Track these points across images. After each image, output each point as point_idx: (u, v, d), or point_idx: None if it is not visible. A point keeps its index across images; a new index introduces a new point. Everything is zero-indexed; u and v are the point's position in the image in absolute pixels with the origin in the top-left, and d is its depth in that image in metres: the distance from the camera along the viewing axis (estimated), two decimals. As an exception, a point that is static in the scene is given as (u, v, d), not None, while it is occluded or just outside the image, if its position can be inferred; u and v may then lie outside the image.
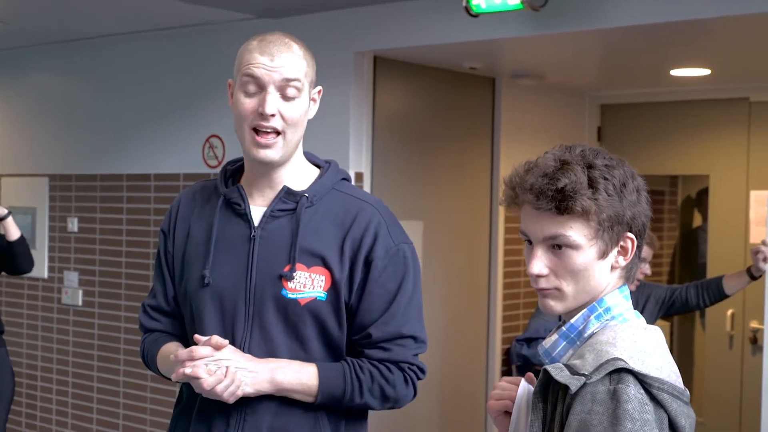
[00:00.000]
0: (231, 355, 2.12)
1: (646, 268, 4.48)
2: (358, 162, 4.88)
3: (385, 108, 5.05)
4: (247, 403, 2.19)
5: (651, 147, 6.24)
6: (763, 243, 4.21)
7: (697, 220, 6.49)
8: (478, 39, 4.46)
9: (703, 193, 6.16)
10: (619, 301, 1.69)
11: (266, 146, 2.17)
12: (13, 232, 4.61)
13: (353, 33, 4.83)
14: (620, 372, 1.53)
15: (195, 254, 2.28)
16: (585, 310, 1.69)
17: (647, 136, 6.25)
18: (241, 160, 2.33)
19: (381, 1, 4.66)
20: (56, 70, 6.23)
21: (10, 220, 4.62)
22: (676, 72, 5.36)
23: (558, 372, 1.57)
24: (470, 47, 4.69)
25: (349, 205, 2.25)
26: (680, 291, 4.49)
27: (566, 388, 1.56)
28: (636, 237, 1.67)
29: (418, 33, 4.63)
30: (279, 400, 2.20)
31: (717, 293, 4.37)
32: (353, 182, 4.70)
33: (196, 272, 2.26)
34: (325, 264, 2.19)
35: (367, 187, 4.94)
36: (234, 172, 2.34)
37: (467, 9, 4.14)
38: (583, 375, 1.54)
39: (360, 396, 2.21)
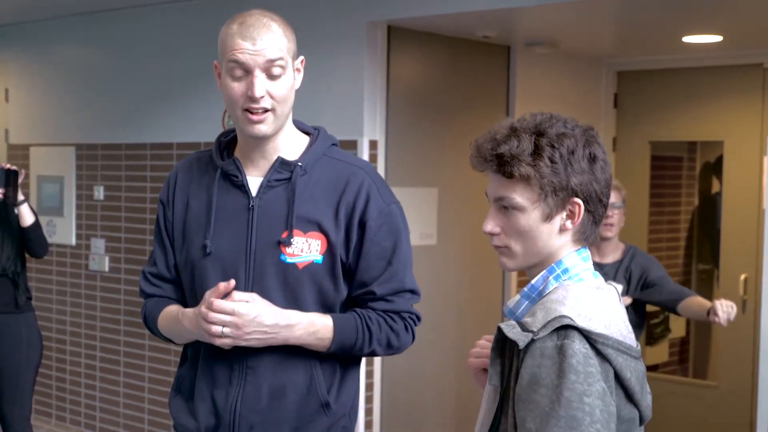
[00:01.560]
0: (256, 309, 2.24)
1: (614, 218, 4.34)
2: (372, 130, 4.98)
3: (399, 77, 5.14)
4: (248, 363, 2.33)
5: (667, 113, 6.28)
6: (720, 305, 4.10)
7: (715, 186, 6.52)
8: (490, 8, 4.53)
9: (722, 160, 6.20)
10: (577, 262, 1.80)
11: (259, 122, 2.28)
12: (27, 218, 4.71)
13: (367, 3, 4.91)
14: (567, 328, 1.64)
15: (196, 224, 2.40)
16: (544, 271, 1.80)
17: (663, 103, 6.29)
18: (233, 131, 2.45)
19: (393, -28, 4.74)
20: (81, 42, 6.37)
21: (24, 207, 4.70)
22: (688, 39, 5.39)
23: (509, 329, 1.68)
24: (483, 16, 4.75)
25: (340, 171, 2.37)
26: (659, 286, 4.35)
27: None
28: (585, 202, 1.76)
29: (430, 2, 4.70)
30: (278, 361, 2.33)
31: (672, 307, 4.32)
32: (368, 150, 4.86)
33: (198, 242, 2.38)
34: (321, 229, 2.32)
35: (381, 155, 5.04)
36: (227, 144, 2.46)
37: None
38: (531, 332, 1.65)
39: (369, 345, 2.37)
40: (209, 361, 2.37)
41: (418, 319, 2.45)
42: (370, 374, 5.05)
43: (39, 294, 6.54)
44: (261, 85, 2.25)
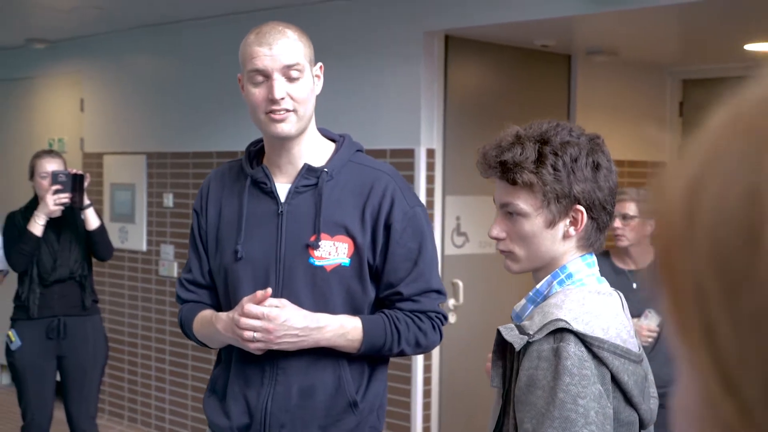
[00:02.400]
0: (286, 314, 2.32)
1: (626, 229, 4.20)
2: (429, 139, 5.04)
3: (457, 86, 5.19)
4: (279, 364, 2.42)
5: (734, 121, 6.19)
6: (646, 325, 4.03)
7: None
8: (548, 17, 4.55)
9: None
10: (581, 267, 1.83)
11: (281, 120, 2.37)
12: (93, 222, 4.84)
13: (424, 13, 4.97)
14: (563, 331, 1.68)
15: (228, 231, 2.50)
16: (549, 276, 1.84)
17: (730, 111, 6.20)
18: (261, 141, 2.54)
19: (450, -18, 4.80)
20: (152, 53, 6.56)
21: (90, 211, 4.83)
22: (749, 47, 5.34)
23: (508, 332, 1.73)
24: (541, 25, 4.78)
25: (365, 175, 2.45)
26: None
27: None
28: (587, 209, 1.80)
29: (487, 12, 4.74)
30: (308, 362, 2.41)
31: None
32: (425, 159, 4.91)
33: (230, 247, 2.48)
34: (348, 232, 2.40)
35: (438, 163, 5.09)
36: (257, 153, 2.55)
37: (526, -11, 4.25)
38: (528, 334, 1.70)
39: (398, 345, 2.44)
40: (242, 362, 2.46)
41: (445, 318, 2.52)
42: (428, 368, 5.09)
43: (111, 298, 6.74)
44: (281, 87, 2.34)
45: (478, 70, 5.40)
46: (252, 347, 2.34)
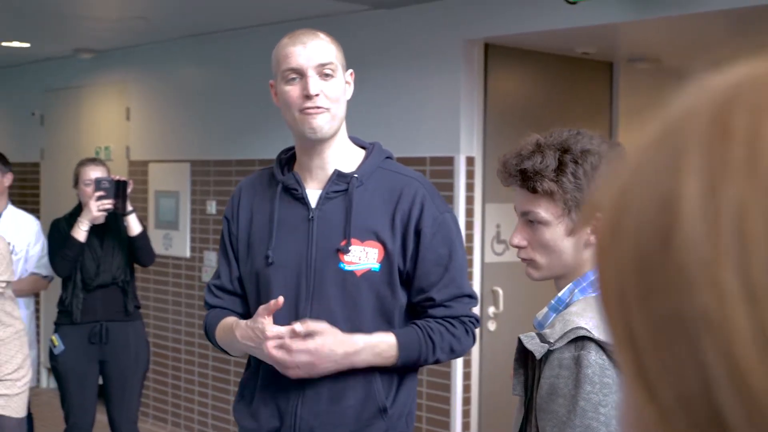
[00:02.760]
0: (330, 343, 2.35)
1: None
2: (469, 147, 5.04)
3: (497, 94, 5.18)
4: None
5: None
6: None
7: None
8: (589, 24, 4.53)
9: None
10: None
11: (315, 115, 2.39)
12: (135, 228, 4.89)
13: (464, 21, 4.98)
14: (584, 340, 1.67)
15: (259, 237, 2.52)
16: (571, 284, 1.83)
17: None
18: (292, 149, 2.57)
19: (490, -10, 4.80)
20: (196, 62, 6.64)
21: (132, 217, 4.88)
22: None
23: (528, 340, 1.73)
24: (581, 32, 4.76)
25: (395, 181, 2.47)
26: None
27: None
28: None
29: (527, 20, 4.74)
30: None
31: None
32: (465, 167, 4.92)
33: (261, 253, 2.50)
34: (378, 237, 2.42)
35: (478, 171, 5.09)
36: (287, 160, 2.58)
37: (565, -4, 4.24)
38: (549, 343, 1.69)
39: (432, 354, 2.45)
40: (271, 366, 2.47)
41: (477, 321, 2.54)
42: (467, 376, 5.09)
43: (156, 304, 6.82)
44: (315, 83, 2.38)
45: (518, 77, 5.39)
46: (292, 374, 2.37)
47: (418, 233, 2.43)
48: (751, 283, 0.40)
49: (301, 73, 2.39)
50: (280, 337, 2.33)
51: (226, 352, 2.62)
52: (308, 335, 2.32)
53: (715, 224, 0.41)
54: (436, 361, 2.50)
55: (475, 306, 2.54)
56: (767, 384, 0.39)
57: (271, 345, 2.33)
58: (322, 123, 2.40)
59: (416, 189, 2.46)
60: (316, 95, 2.37)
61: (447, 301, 2.46)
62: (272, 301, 2.35)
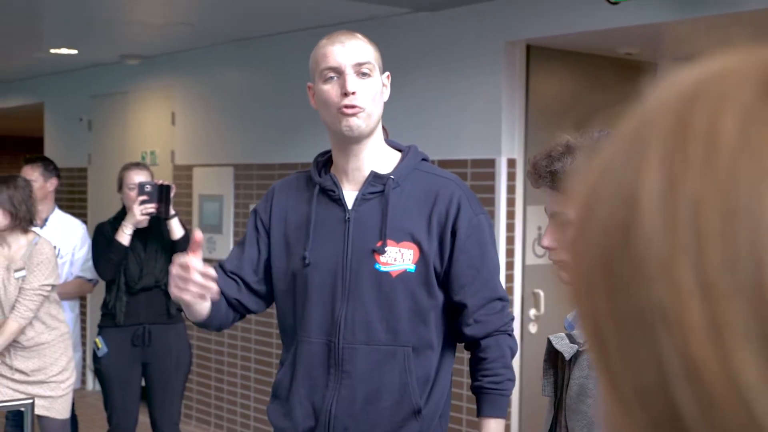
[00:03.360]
0: None
1: None
2: (510, 149, 5.01)
3: (538, 95, 5.15)
4: (344, 368, 2.44)
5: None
6: None
7: None
8: (632, 24, 4.49)
9: None
10: None
11: (353, 114, 2.40)
12: (177, 232, 4.90)
13: (505, 23, 4.96)
14: (614, 340, 1.65)
15: (296, 238, 2.53)
16: None
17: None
18: (328, 152, 2.57)
19: (531, -9, 4.78)
20: (239, 67, 6.68)
21: (174, 221, 4.89)
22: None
23: (558, 341, 1.71)
24: (623, 33, 4.71)
25: (431, 183, 2.48)
26: None
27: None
28: None
29: (569, 20, 4.71)
30: (374, 366, 2.43)
31: None
32: (506, 169, 4.90)
33: (298, 254, 2.51)
34: (414, 239, 2.43)
35: (520, 173, 5.06)
36: (324, 163, 2.59)
37: (606, -3, 4.21)
38: (578, 343, 1.67)
39: (513, 383, 2.57)
40: (307, 365, 2.48)
41: (512, 320, 2.58)
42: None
43: (200, 307, 6.86)
44: (353, 81, 2.40)
45: (560, 79, 5.35)
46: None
47: (454, 234, 2.44)
48: (705, 278, 0.40)
49: (339, 72, 2.41)
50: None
51: (200, 324, 2.55)
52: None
53: (673, 220, 0.41)
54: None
55: (508, 308, 2.56)
56: (720, 378, 0.40)
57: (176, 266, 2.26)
58: (359, 122, 2.41)
59: (453, 190, 2.47)
60: (353, 93, 2.39)
61: (481, 311, 2.47)
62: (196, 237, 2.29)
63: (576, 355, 1.68)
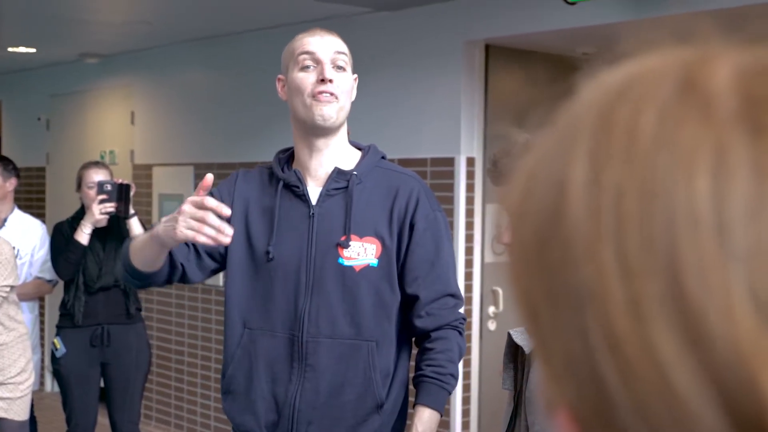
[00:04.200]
0: None
1: None
2: (469, 147, 5.05)
3: (497, 94, 5.20)
4: (308, 361, 2.46)
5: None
6: None
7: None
8: (588, 24, 4.54)
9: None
10: None
11: (327, 102, 2.43)
12: (136, 231, 4.82)
13: (464, 23, 4.99)
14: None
15: (259, 231, 2.53)
16: None
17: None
18: (290, 149, 2.58)
19: (489, -9, 4.82)
20: (199, 66, 6.66)
21: (134, 220, 4.86)
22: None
23: (518, 335, 1.74)
24: (582, 32, 4.77)
25: (392, 179, 2.53)
26: None
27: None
28: None
29: (527, 21, 4.75)
30: (337, 360, 2.46)
31: None
32: (465, 168, 4.93)
33: (261, 248, 2.52)
34: (376, 234, 2.46)
35: (479, 172, 5.10)
36: (286, 159, 2.60)
37: (563, -3, 4.26)
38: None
39: (455, 380, 2.52)
40: (269, 359, 2.49)
41: (464, 320, 2.58)
42: (467, 375, 5.10)
43: (159, 307, 6.84)
44: (330, 70, 2.43)
45: (519, 78, 5.40)
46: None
47: (411, 228, 2.48)
48: (625, 259, 0.43)
49: (317, 61, 2.44)
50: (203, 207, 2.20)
51: (138, 279, 2.51)
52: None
53: (597, 206, 0.45)
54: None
55: (461, 307, 2.57)
56: (638, 349, 0.43)
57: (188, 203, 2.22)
58: (331, 111, 2.44)
59: (412, 186, 2.52)
60: (331, 81, 2.42)
61: (433, 304, 2.49)
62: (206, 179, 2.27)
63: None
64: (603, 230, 0.44)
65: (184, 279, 2.57)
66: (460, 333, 2.54)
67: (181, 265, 2.52)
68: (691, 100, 0.45)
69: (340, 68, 2.46)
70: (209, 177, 2.26)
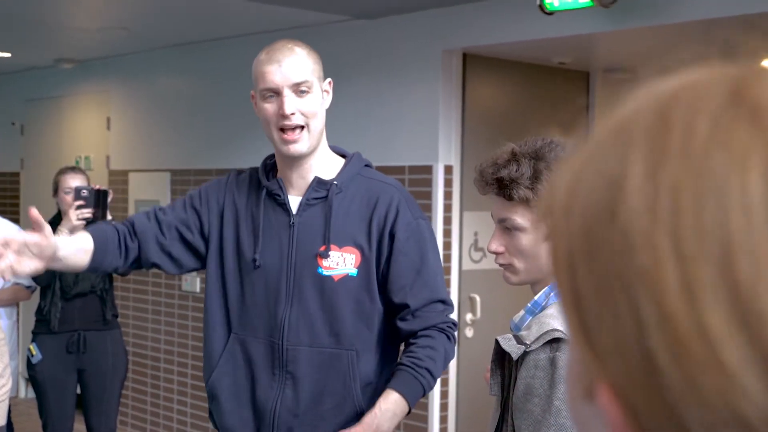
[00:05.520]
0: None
1: None
2: (447, 155, 5.08)
3: (475, 103, 5.24)
4: (288, 368, 2.48)
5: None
6: None
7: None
8: (565, 34, 4.59)
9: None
10: None
11: (293, 141, 2.45)
12: None
13: (442, 31, 5.03)
14: (559, 341, 1.72)
15: (245, 238, 2.56)
16: (546, 287, 1.88)
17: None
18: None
19: (468, 1, 4.85)
20: (176, 72, 6.66)
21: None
22: None
23: (505, 342, 1.77)
24: (558, 42, 4.82)
25: (372, 188, 2.53)
26: None
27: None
28: None
29: (504, 30, 4.79)
30: (317, 368, 2.48)
31: None
32: (443, 176, 4.96)
33: (248, 255, 2.54)
34: (356, 243, 2.48)
35: (456, 180, 5.13)
36: (273, 165, 2.62)
37: (541, 7, 4.30)
38: (525, 344, 1.74)
39: (433, 378, 2.50)
40: (250, 367, 2.51)
41: (455, 325, 2.57)
42: (444, 382, 5.12)
43: (135, 313, 6.82)
44: (291, 102, 2.43)
45: (496, 87, 5.45)
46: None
47: (392, 237, 2.48)
48: (680, 245, 0.48)
49: (276, 92, 2.44)
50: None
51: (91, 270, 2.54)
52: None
53: (654, 199, 0.49)
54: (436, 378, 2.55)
55: (451, 312, 2.58)
56: (690, 327, 0.47)
57: None
58: (299, 147, 2.46)
59: (392, 194, 2.52)
60: (292, 114, 2.43)
61: (422, 309, 2.49)
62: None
63: (523, 356, 1.74)
64: (659, 221, 0.49)
65: (173, 264, 2.60)
66: (449, 337, 2.53)
67: (169, 254, 2.56)
68: (741, 109, 0.50)
69: (303, 92, 2.45)
70: (33, 212, 2.26)
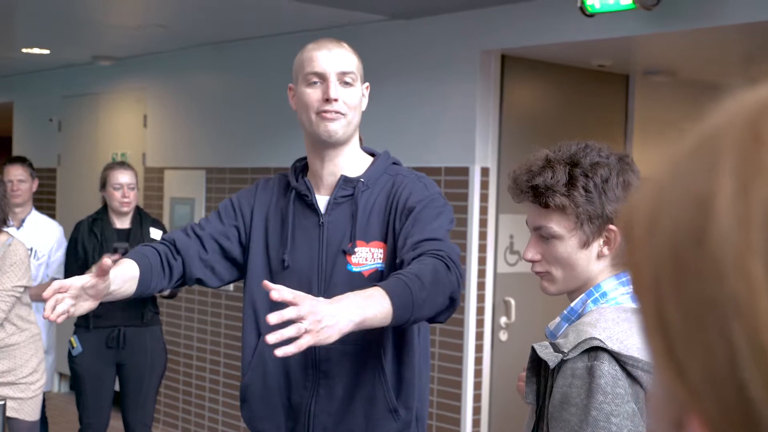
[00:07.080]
0: (310, 308, 1.99)
1: None
2: (484, 157, 5.05)
3: (512, 105, 5.20)
4: (321, 368, 2.47)
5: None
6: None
7: None
8: (605, 37, 4.55)
9: None
10: (615, 286, 1.84)
11: (332, 120, 2.44)
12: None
13: (480, 32, 5.00)
14: (597, 350, 1.68)
15: (275, 240, 2.57)
16: (583, 294, 1.85)
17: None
18: (306, 158, 2.61)
19: (507, 2, 4.82)
20: (212, 70, 6.68)
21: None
22: (811, 67, 5.27)
23: (542, 350, 1.74)
24: (598, 45, 4.77)
25: (394, 181, 2.51)
26: None
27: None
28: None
29: (543, 31, 4.76)
30: (350, 366, 2.46)
31: None
32: (480, 177, 4.92)
33: (277, 256, 2.54)
34: (381, 237, 2.47)
35: (493, 181, 5.10)
36: (302, 168, 2.62)
37: (582, 9, 4.26)
38: (562, 352, 1.71)
39: (424, 289, 2.15)
40: (283, 366, 2.50)
41: (456, 265, 2.27)
42: (478, 385, 5.09)
43: (169, 310, 6.84)
44: (336, 89, 2.43)
45: (534, 89, 5.41)
46: (296, 345, 1.99)
47: (410, 211, 2.38)
48: None
49: (323, 78, 2.45)
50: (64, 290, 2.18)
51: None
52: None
53: (746, 220, 0.45)
54: (434, 305, 2.20)
55: (450, 254, 2.28)
56: None
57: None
58: (337, 127, 2.45)
59: (406, 176, 2.49)
60: (336, 100, 2.43)
61: (418, 243, 2.29)
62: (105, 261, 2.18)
63: (559, 364, 1.71)
64: (753, 244, 0.45)
65: (211, 278, 2.59)
66: (448, 267, 2.23)
67: (211, 268, 2.55)
68: None
69: (347, 84, 2.46)
70: (107, 261, 2.16)
